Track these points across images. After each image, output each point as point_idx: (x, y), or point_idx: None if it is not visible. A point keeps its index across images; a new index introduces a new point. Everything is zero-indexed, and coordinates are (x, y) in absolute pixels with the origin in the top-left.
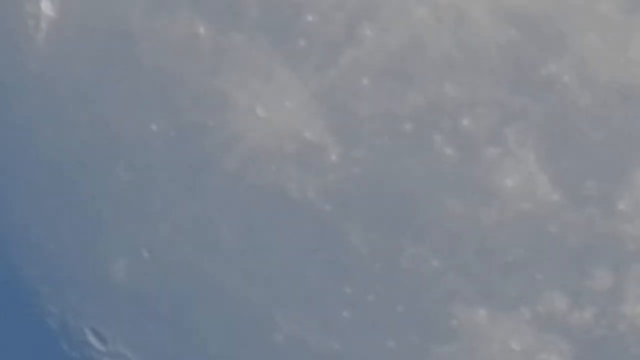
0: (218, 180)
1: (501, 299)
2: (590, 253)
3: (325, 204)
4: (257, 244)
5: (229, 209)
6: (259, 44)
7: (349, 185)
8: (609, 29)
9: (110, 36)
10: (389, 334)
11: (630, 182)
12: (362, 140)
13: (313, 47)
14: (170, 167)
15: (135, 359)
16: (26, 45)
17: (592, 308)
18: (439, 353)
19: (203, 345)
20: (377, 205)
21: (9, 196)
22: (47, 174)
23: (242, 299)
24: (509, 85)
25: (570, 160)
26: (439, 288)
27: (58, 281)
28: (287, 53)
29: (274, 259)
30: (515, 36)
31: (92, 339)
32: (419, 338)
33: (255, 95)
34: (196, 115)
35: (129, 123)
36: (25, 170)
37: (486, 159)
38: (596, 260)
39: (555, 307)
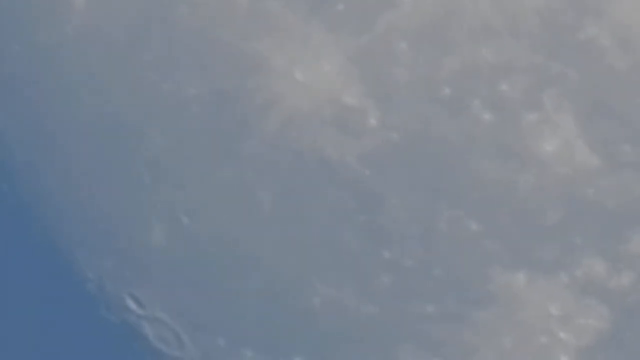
0: (256, 145)
1: (539, 264)
2: (628, 217)
3: (364, 168)
4: (295, 208)
5: (266, 173)
6: (296, 8)
7: (387, 149)
8: None
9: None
10: (427, 298)
11: None
12: (400, 105)
13: (351, 11)
14: (208, 131)
15: (173, 323)
16: (64, 7)
17: (630, 272)
18: (477, 317)
19: (240, 310)
20: (415, 170)
21: (44, 161)
22: (83, 138)
23: (279, 263)
24: (547, 49)
25: (608, 125)
26: (477, 252)
27: (96, 247)
28: (325, 17)
29: (312, 223)
30: (553, 0)
31: (131, 304)
32: (456, 302)
33: (292, 59)
34: (233, 79)
35: (166, 87)
36: (60, 134)
37: (524, 124)
38: (634, 224)
39: (593, 271)
